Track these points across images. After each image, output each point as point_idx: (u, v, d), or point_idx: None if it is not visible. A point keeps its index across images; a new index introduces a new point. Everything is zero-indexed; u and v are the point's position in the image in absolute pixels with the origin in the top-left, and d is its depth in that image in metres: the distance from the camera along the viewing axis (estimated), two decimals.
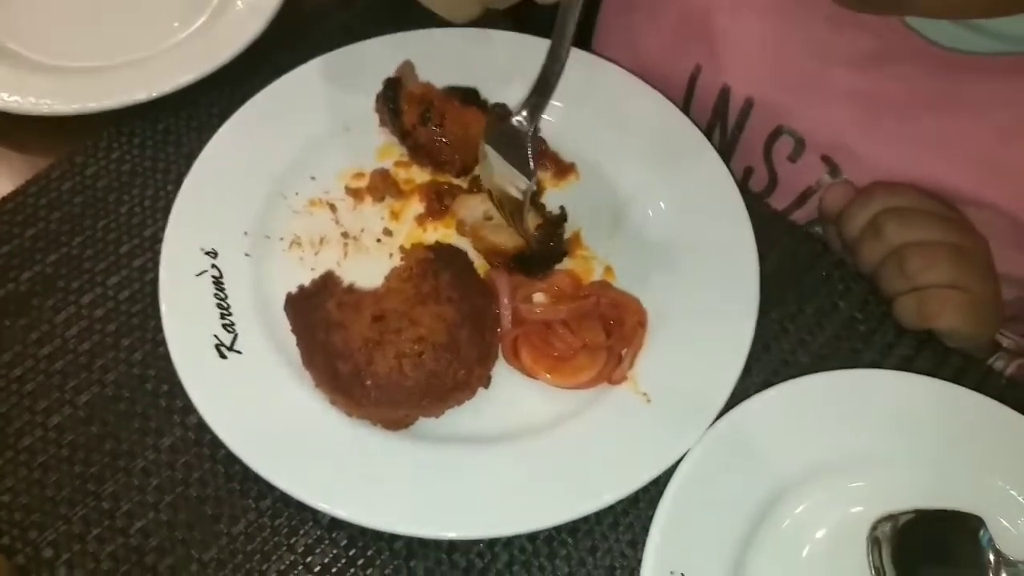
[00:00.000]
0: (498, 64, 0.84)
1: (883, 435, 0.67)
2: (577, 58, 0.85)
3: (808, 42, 0.77)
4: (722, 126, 0.86)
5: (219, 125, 0.80)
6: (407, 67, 0.82)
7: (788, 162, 0.82)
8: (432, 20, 0.86)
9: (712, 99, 0.84)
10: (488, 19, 0.90)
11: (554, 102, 0.82)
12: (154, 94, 0.83)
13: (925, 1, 0.63)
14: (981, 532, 0.62)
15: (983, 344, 0.74)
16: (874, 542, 0.63)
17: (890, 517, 0.63)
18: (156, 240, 0.76)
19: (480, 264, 0.75)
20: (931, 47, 0.72)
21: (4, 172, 0.83)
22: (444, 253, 0.72)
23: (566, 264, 0.76)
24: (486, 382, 0.69)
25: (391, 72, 0.81)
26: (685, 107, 0.88)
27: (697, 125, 0.84)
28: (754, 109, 0.81)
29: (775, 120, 0.81)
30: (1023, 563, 0.61)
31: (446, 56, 0.84)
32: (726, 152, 0.88)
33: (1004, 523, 0.64)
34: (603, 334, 0.70)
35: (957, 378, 0.70)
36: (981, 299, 0.70)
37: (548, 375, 0.70)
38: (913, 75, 0.74)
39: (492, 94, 0.82)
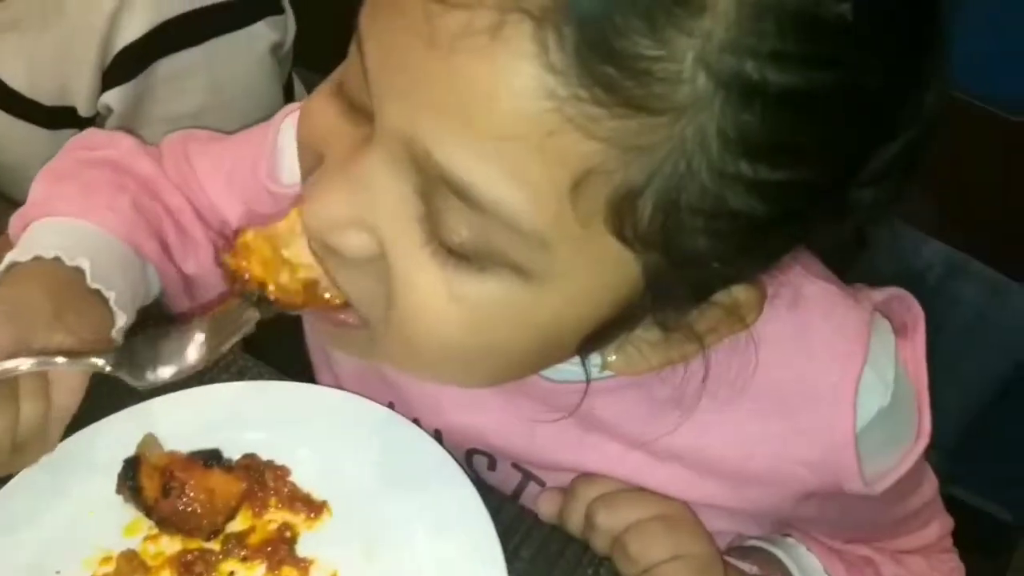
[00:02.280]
0: (240, 415, 0.87)
1: None
2: (309, 393, 0.88)
3: None
4: None
5: None
6: (148, 440, 0.83)
7: (489, 472, 0.87)
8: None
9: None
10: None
11: (297, 445, 0.86)
12: None
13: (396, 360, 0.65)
14: None
15: None
16: None
17: None
18: None
19: None
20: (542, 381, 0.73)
21: None
22: None
23: None
24: None
25: (132, 447, 0.82)
26: None
27: None
28: (444, 437, 0.85)
29: (464, 445, 0.86)
30: None
31: (190, 418, 0.86)
32: None
33: None
34: None
35: None
36: (703, 558, 0.75)
37: None
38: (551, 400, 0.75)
39: (235, 447, 0.84)
